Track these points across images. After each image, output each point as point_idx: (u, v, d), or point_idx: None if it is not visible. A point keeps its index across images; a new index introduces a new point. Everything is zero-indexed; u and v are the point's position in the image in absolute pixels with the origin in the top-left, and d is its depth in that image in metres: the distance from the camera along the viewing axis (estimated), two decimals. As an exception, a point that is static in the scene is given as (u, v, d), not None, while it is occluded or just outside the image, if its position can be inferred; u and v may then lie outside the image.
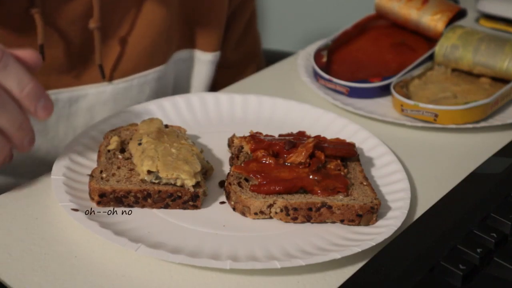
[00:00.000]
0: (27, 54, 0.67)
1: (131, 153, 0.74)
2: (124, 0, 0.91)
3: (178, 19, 0.98)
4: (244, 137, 0.76)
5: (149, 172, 0.70)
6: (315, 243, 0.67)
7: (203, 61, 1.03)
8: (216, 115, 0.86)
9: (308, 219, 0.70)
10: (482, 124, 0.88)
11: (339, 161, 0.74)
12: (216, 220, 0.70)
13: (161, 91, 0.97)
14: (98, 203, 0.69)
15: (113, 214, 0.69)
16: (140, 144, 0.74)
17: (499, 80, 0.94)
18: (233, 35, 1.09)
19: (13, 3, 0.82)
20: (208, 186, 0.73)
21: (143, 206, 0.70)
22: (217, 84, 1.07)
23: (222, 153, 0.80)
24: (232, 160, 0.76)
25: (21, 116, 0.66)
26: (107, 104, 0.92)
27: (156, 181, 0.70)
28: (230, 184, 0.71)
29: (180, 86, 1.03)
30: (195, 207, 0.71)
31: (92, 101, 0.91)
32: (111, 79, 0.92)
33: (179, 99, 0.86)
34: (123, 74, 0.93)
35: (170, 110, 0.84)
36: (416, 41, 1.02)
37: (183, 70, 1.02)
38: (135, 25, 0.92)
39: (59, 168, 0.72)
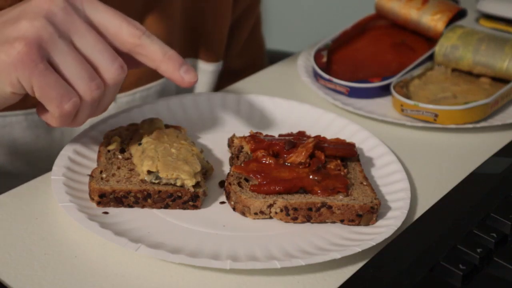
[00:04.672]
0: None
1: (131, 153, 0.74)
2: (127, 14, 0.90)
3: (180, 29, 0.97)
4: (244, 137, 0.76)
5: (149, 172, 0.70)
6: (315, 243, 0.67)
7: (206, 71, 1.03)
8: (216, 115, 0.86)
9: (308, 219, 0.70)
10: (482, 124, 0.88)
11: (339, 161, 0.74)
12: (216, 220, 0.70)
13: None
14: (98, 203, 0.69)
15: (113, 214, 0.69)
16: (140, 144, 0.74)
17: (499, 80, 0.94)
18: (237, 42, 1.09)
19: None
20: (208, 186, 0.74)
21: (143, 206, 0.70)
22: (224, 88, 1.06)
23: (222, 153, 0.80)
24: (232, 160, 0.76)
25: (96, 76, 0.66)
26: None
27: (156, 181, 0.70)
28: (230, 184, 0.71)
29: None
30: (195, 207, 0.71)
31: None
32: None
33: (179, 98, 0.86)
34: (125, 89, 0.92)
35: (170, 109, 0.84)
36: (416, 41, 1.02)
37: None
38: None
39: (59, 168, 0.72)
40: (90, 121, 0.90)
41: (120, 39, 0.68)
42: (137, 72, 0.92)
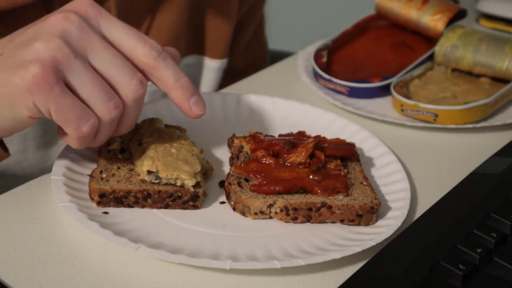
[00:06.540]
0: (173, 51, 0.70)
1: (131, 153, 0.74)
2: (139, 9, 0.91)
3: (186, 26, 0.98)
4: (244, 137, 0.76)
5: (149, 172, 0.70)
6: (315, 243, 0.67)
7: (211, 68, 1.03)
8: (216, 115, 0.86)
9: (308, 219, 0.70)
10: (482, 124, 0.88)
11: (339, 161, 0.74)
12: (216, 220, 0.70)
13: None
14: (98, 203, 0.69)
15: (113, 214, 0.69)
16: (140, 144, 0.74)
17: (499, 80, 0.94)
18: (241, 41, 1.09)
19: (28, 15, 0.82)
20: (208, 186, 0.74)
21: (143, 206, 0.70)
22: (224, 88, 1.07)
23: (222, 153, 0.80)
24: (232, 160, 0.76)
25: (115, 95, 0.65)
26: None
27: (156, 181, 0.70)
28: (230, 184, 0.71)
29: None
30: (195, 207, 0.71)
31: None
32: None
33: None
34: None
35: (170, 109, 0.84)
36: (416, 41, 1.02)
37: (191, 75, 1.02)
38: (148, 33, 0.92)
39: (59, 168, 0.72)
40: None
41: (134, 58, 0.67)
42: None
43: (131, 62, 0.66)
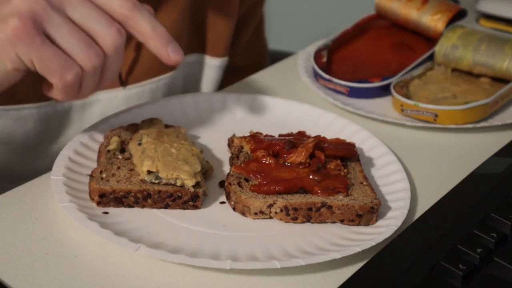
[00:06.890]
0: (148, 7, 0.71)
1: (131, 153, 0.74)
2: None
3: (187, 24, 0.98)
4: (244, 137, 0.76)
5: (149, 172, 0.70)
6: (315, 243, 0.67)
7: (212, 66, 1.03)
8: (216, 115, 0.86)
9: (308, 219, 0.70)
10: (482, 124, 0.88)
11: (339, 161, 0.74)
12: (216, 220, 0.70)
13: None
14: (98, 203, 0.69)
15: (113, 214, 0.69)
16: (140, 144, 0.74)
17: (499, 80, 0.94)
18: (242, 40, 1.10)
19: None
20: (208, 186, 0.74)
21: (143, 206, 0.70)
22: (224, 88, 1.07)
23: (222, 153, 0.80)
24: (232, 160, 0.76)
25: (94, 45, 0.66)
26: (120, 109, 0.92)
27: (156, 181, 0.70)
28: (230, 184, 0.71)
29: (189, 91, 1.03)
30: (195, 207, 0.71)
31: (104, 106, 0.91)
32: (125, 84, 0.92)
33: (179, 99, 0.86)
34: (136, 80, 0.93)
35: (169, 110, 0.85)
36: (416, 41, 1.02)
37: (192, 74, 1.03)
38: None
39: (59, 168, 0.72)
40: (91, 120, 0.90)
41: (111, 10, 0.68)
42: (146, 63, 0.93)
43: (108, 15, 0.68)
